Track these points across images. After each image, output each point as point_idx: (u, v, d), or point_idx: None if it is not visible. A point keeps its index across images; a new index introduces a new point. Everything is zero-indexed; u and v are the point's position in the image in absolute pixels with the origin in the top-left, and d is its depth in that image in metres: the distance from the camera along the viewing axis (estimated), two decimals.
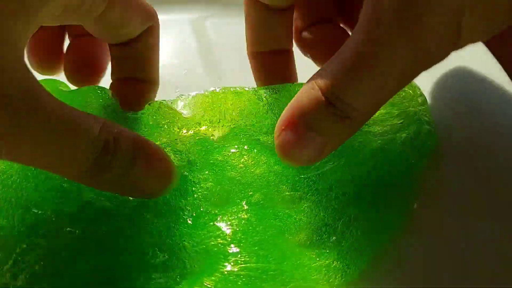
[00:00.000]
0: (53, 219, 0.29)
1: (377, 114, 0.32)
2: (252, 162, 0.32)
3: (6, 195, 0.29)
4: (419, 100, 0.34)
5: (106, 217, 0.30)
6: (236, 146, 0.32)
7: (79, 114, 0.25)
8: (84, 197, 0.30)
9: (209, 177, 0.31)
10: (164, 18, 0.37)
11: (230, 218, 0.30)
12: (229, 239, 0.29)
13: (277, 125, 0.27)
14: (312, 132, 0.26)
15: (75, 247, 0.28)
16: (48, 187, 0.29)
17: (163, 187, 0.29)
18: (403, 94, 0.34)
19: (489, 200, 0.32)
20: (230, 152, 0.32)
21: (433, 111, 0.36)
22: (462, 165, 0.34)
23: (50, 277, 0.27)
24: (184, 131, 0.32)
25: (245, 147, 0.32)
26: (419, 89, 0.34)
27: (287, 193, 0.31)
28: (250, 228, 0.30)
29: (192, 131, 0.32)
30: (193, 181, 0.31)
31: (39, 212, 0.29)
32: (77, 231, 0.29)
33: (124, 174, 0.27)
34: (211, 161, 0.32)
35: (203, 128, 0.32)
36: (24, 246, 0.28)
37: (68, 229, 0.29)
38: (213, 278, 0.27)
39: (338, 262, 0.29)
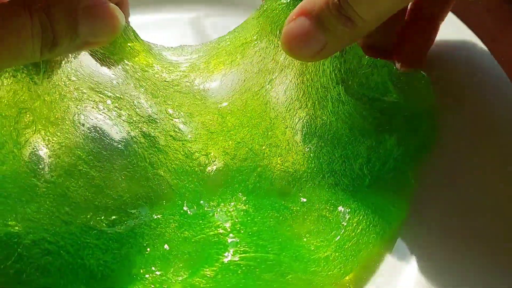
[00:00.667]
0: (55, 214, 0.29)
1: (384, 104, 0.33)
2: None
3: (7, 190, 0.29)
4: (428, 96, 0.35)
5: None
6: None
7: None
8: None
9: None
10: (164, 17, 0.37)
11: (229, 209, 0.31)
12: (228, 230, 0.30)
13: (290, 15, 0.28)
14: (317, 28, 0.28)
15: (79, 241, 0.29)
16: None
17: (114, 29, 0.28)
18: (414, 88, 0.35)
19: (487, 194, 0.33)
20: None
21: None
22: (461, 164, 0.35)
23: (56, 271, 0.28)
24: (165, 75, 0.33)
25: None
26: (430, 87, 0.35)
27: (283, 183, 0.32)
28: (249, 219, 0.31)
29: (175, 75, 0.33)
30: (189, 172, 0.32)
31: (41, 207, 0.29)
32: (81, 226, 0.29)
33: (72, 39, 0.27)
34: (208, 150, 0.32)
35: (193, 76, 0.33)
36: (28, 241, 0.28)
37: (71, 222, 0.29)
38: (213, 268, 0.28)
39: (337, 254, 0.30)
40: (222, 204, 0.31)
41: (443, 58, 0.39)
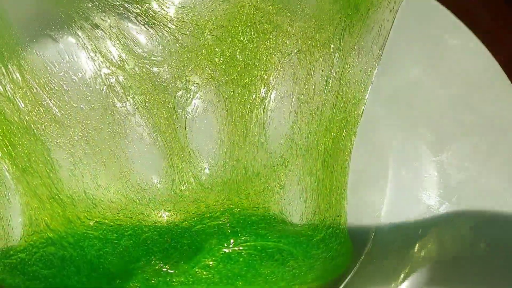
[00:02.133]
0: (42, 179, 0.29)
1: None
2: None
3: None
4: None
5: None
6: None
7: None
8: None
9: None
10: None
11: (225, 200, 0.32)
12: (228, 219, 0.31)
13: None
14: None
15: (79, 231, 0.30)
16: None
17: None
18: None
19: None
20: None
21: (433, 119, 0.38)
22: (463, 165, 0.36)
23: (58, 262, 0.29)
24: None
25: None
26: None
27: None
28: (246, 209, 0.31)
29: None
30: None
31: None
32: (82, 219, 0.30)
33: None
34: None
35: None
36: (33, 229, 0.29)
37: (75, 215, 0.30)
38: (215, 257, 0.29)
39: (330, 230, 0.31)
40: (219, 194, 0.32)
41: (442, 58, 0.40)
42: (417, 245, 0.34)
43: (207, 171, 0.31)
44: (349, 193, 0.35)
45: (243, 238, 0.30)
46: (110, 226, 0.30)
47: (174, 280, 0.29)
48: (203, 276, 0.29)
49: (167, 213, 0.31)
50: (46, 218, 0.29)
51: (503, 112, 0.38)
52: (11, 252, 0.28)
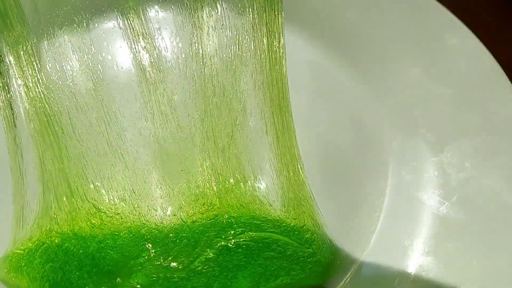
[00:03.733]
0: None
1: None
2: None
3: None
4: None
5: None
6: None
7: None
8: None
9: None
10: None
11: (209, 169, 0.32)
12: (222, 211, 0.32)
13: None
14: None
15: (83, 219, 0.31)
16: None
17: None
18: None
19: None
20: None
21: (433, 119, 0.38)
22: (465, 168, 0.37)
23: (62, 255, 0.30)
24: None
25: None
26: None
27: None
28: (240, 202, 0.32)
29: None
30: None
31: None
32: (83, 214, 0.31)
33: None
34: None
35: None
36: (46, 206, 0.30)
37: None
38: (214, 250, 0.30)
39: (312, 223, 0.32)
40: (201, 151, 0.33)
41: (442, 58, 0.40)
42: (416, 244, 0.34)
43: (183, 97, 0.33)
44: (349, 193, 0.36)
45: (240, 230, 0.31)
46: (109, 216, 0.31)
47: (175, 275, 0.30)
48: (204, 270, 0.30)
49: (159, 192, 0.32)
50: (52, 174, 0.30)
51: (503, 112, 0.38)
52: (23, 241, 0.29)
